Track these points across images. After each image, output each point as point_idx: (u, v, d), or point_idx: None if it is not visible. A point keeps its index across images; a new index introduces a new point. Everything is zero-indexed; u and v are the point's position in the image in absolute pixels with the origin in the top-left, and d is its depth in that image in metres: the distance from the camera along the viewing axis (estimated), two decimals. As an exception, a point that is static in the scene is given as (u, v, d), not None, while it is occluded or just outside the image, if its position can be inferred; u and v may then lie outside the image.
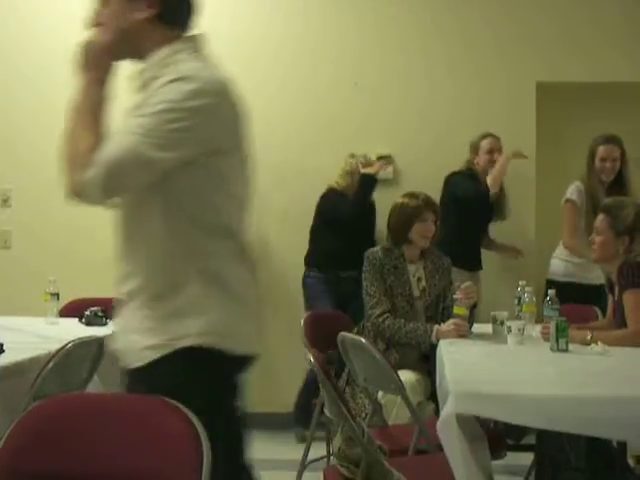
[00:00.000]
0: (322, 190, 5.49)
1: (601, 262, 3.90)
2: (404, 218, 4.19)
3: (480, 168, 5.29)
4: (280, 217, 5.80)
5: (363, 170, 5.38)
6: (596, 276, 4.86)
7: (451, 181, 5.26)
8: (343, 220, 5.35)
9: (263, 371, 5.60)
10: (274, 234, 5.79)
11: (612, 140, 5.00)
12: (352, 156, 5.47)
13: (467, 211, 5.12)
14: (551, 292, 3.82)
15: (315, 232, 5.52)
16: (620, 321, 3.60)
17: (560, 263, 5.12)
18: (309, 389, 5.18)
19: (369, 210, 5.47)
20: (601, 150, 4.98)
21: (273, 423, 5.64)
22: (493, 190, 5.16)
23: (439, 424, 2.54)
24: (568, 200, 5.02)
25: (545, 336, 3.42)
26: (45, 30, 5.99)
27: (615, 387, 2.68)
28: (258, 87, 5.81)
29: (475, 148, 5.33)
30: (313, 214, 5.53)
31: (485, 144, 5.31)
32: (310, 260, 5.51)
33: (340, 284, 5.32)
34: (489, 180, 5.18)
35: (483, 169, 5.28)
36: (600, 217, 3.72)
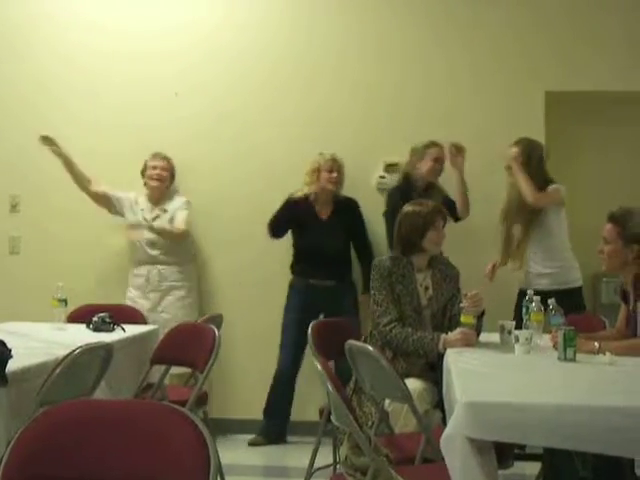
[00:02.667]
0: None
1: (611, 271, 3.89)
2: (417, 226, 4.18)
3: (419, 173, 5.37)
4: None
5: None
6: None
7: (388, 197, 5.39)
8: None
9: (267, 380, 5.67)
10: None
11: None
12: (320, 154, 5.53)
13: None
14: (552, 301, 3.81)
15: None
16: (635, 330, 3.59)
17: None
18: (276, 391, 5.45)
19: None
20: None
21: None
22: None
23: (443, 441, 2.53)
24: None
25: (556, 345, 3.41)
26: (55, 33, 6.03)
27: (624, 397, 2.67)
28: (258, 93, 5.85)
29: (421, 154, 5.39)
30: None
31: (433, 152, 5.37)
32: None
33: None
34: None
35: (422, 175, 5.36)
36: (608, 226, 3.71)
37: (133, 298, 5.58)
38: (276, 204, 5.53)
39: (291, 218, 5.46)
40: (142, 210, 5.64)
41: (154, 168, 5.67)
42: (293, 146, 5.83)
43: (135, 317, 4.93)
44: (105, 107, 5.96)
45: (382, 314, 4.10)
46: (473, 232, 5.47)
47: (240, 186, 5.85)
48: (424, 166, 5.36)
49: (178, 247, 5.62)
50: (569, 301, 4.39)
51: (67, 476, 2.05)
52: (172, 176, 5.75)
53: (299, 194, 5.47)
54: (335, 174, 5.46)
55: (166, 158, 5.70)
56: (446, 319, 4.19)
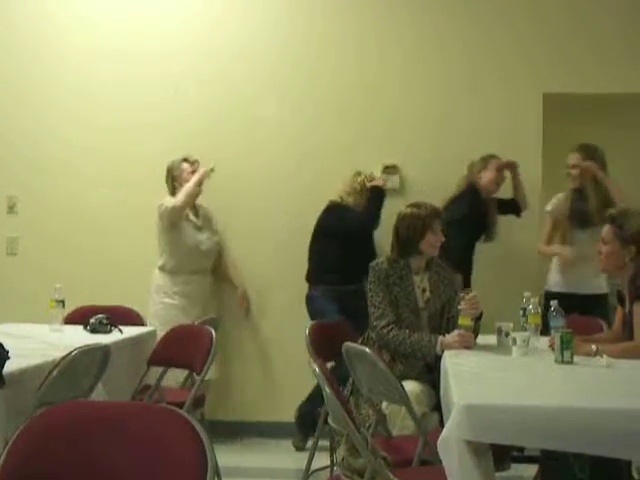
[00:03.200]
0: (322, 201, 5.48)
1: (608, 272, 3.90)
2: (415, 229, 4.18)
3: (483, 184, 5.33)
4: (280, 232, 5.81)
5: (370, 183, 5.39)
6: (595, 286, 4.95)
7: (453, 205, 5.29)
8: (353, 234, 5.34)
9: (267, 381, 5.67)
10: (275, 247, 5.81)
11: (577, 149, 5.16)
12: (358, 174, 5.46)
13: None
14: (554, 303, 3.81)
15: (317, 248, 5.47)
16: (631, 333, 3.59)
17: (555, 274, 5.16)
18: (314, 398, 5.17)
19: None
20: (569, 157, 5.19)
21: (277, 432, 5.65)
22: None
23: (440, 443, 2.53)
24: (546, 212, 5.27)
25: (553, 345, 3.41)
26: (54, 33, 6.02)
27: (621, 400, 2.67)
28: (258, 95, 5.84)
29: (484, 163, 5.37)
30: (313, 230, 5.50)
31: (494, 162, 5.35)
32: (313, 277, 5.49)
33: (344, 298, 5.30)
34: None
35: (487, 188, 5.34)
36: (606, 227, 3.72)
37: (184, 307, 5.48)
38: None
39: None
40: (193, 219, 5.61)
41: (194, 172, 5.53)
42: (291, 146, 5.84)
43: (132, 318, 4.92)
44: (102, 106, 5.94)
45: (379, 316, 4.11)
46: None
47: (241, 182, 5.82)
48: (487, 176, 5.33)
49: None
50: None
51: (64, 477, 2.05)
52: None
53: None
54: None
55: (197, 160, 5.61)
56: (444, 321, 4.20)
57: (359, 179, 5.43)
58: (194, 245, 5.51)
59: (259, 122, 5.85)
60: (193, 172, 5.50)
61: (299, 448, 5.36)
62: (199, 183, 5.48)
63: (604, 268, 3.82)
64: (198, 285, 5.54)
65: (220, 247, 5.73)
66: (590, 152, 5.12)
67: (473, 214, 5.18)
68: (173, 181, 5.54)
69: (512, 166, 5.38)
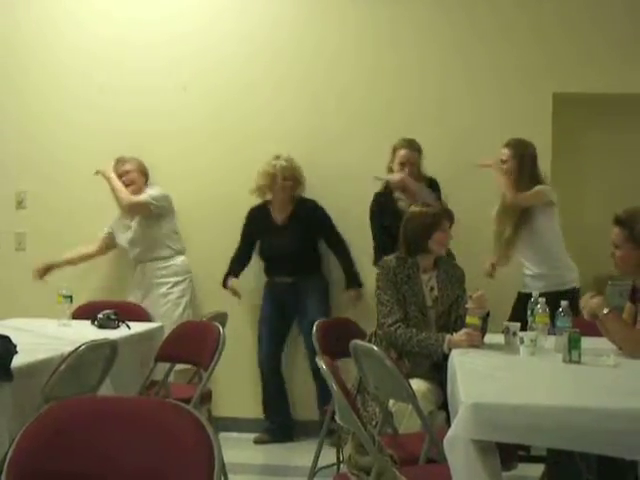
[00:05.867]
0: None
1: (626, 274, 3.87)
2: (424, 227, 4.18)
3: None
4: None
5: None
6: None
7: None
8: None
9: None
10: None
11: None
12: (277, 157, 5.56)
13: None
14: (564, 303, 3.80)
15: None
16: None
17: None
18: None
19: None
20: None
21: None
22: None
23: (446, 441, 2.53)
24: None
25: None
26: (55, 35, 6.05)
27: (628, 399, 2.66)
28: (275, 91, 5.85)
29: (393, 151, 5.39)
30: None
31: (401, 155, 5.34)
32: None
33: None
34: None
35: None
36: (615, 230, 3.66)
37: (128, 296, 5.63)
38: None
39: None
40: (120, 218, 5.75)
41: (126, 173, 5.65)
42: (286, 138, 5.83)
43: (140, 314, 4.93)
44: (103, 112, 5.97)
45: (387, 314, 4.11)
46: (476, 232, 5.43)
47: (239, 175, 5.79)
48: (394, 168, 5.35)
49: (156, 243, 5.62)
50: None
51: (71, 472, 2.06)
52: (144, 174, 5.74)
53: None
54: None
55: (133, 159, 5.70)
56: (451, 320, 4.19)
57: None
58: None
59: (269, 124, 5.85)
60: (126, 172, 5.68)
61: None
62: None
63: (622, 271, 3.80)
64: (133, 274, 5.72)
65: None
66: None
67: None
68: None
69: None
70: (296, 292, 5.58)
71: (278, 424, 5.64)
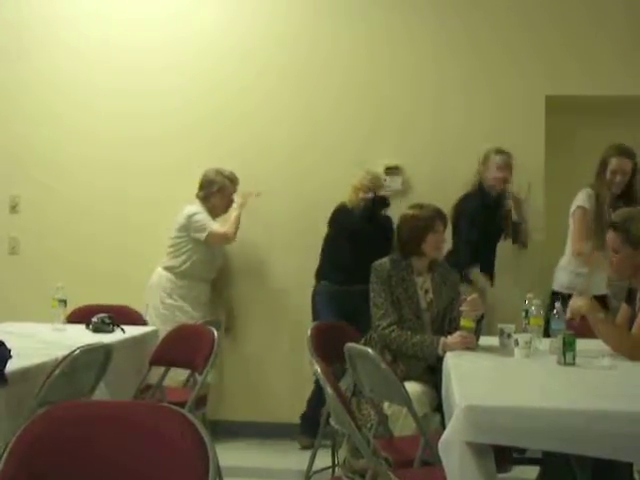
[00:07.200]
0: (331, 203, 5.47)
1: (623, 278, 3.87)
2: (417, 230, 4.18)
3: (487, 181, 5.29)
4: (286, 231, 5.82)
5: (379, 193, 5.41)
6: (596, 287, 4.91)
7: (462, 202, 5.27)
8: (351, 234, 5.36)
9: (267, 382, 5.67)
10: (281, 247, 5.82)
11: (625, 153, 4.97)
12: (368, 173, 5.46)
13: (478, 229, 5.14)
14: (558, 305, 3.80)
15: (325, 246, 5.52)
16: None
17: (565, 274, 5.11)
18: (317, 399, 5.18)
19: (384, 225, 5.42)
20: (614, 162, 4.96)
21: (278, 433, 5.65)
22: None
23: (441, 444, 2.53)
24: (579, 207, 5.01)
25: None
26: (49, 37, 6.03)
27: (623, 402, 2.66)
28: (267, 98, 5.84)
29: (485, 160, 5.33)
30: (321, 229, 5.51)
31: (498, 160, 5.28)
32: (320, 273, 5.50)
33: (349, 298, 5.29)
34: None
35: (490, 185, 5.29)
36: (611, 235, 3.64)
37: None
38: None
39: None
40: None
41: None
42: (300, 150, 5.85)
43: (134, 318, 4.92)
44: (98, 116, 5.96)
45: (382, 317, 4.11)
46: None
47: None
48: (489, 175, 5.29)
49: None
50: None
51: (65, 476, 2.05)
52: None
53: None
54: None
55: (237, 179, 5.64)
56: (446, 322, 4.19)
57: (369, 178, 5.42)
58: (211, 259, 5.59)
59: (265, 132, 5.85)
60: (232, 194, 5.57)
61: (306, 447, 5.33)
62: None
63: (619, 276, 3.80)
64: (200, 292, 5.57)
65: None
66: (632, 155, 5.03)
67: (479, 210, 5.18)
68: (209, 191, 5.54)
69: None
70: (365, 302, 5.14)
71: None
